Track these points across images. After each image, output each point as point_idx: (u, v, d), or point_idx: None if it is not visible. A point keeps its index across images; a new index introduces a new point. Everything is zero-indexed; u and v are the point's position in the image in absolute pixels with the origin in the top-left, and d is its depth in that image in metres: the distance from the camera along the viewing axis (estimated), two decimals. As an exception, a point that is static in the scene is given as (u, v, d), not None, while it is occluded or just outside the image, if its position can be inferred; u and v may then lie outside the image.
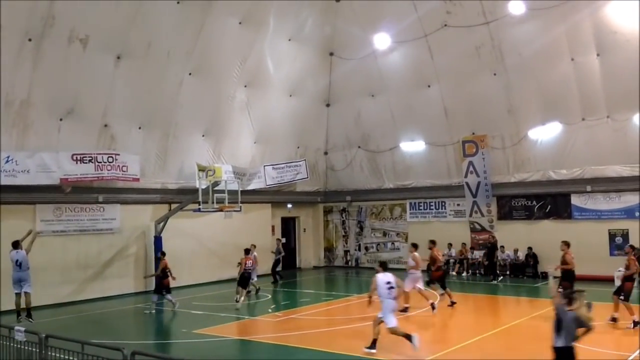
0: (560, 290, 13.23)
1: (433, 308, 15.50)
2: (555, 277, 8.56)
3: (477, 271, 23.94)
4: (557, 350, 7.54)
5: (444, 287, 16.72)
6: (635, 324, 13.04)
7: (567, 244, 14.96)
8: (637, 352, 11.03)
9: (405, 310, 15.40)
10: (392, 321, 11.44)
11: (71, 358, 7.91)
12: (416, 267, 15.97)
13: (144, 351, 7.59)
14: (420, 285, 16.06)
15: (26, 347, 8.61)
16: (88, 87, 18.60)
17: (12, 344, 8.92)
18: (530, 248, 22.93)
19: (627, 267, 13.73)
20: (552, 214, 23.03)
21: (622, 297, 13.53)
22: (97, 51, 18.22)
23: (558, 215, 22.85)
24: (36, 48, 17.04)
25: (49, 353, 8.11)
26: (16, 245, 15.70)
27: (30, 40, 16.86)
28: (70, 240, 19.44)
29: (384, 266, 12.40)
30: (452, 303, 16.34)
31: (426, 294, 16.07)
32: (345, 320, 15.25)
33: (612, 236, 21.65)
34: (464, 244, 24.85)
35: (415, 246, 16.68)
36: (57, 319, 16.24)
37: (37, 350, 8.22)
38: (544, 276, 22.50)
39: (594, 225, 21.77)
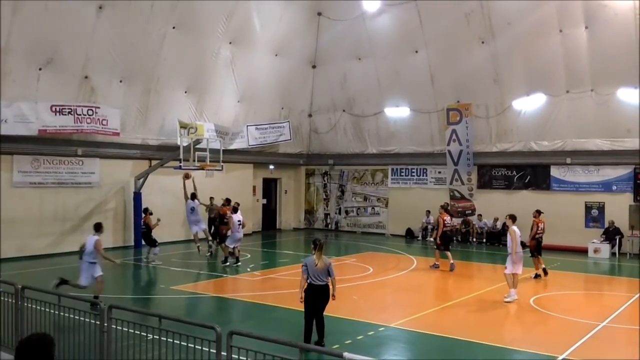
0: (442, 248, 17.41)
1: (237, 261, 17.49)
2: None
3: (455, 238, 24.23)
4: (309, 285, 9.44)
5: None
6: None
7: (444, 208, 17.83)
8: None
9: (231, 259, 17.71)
10: (230, 243, 17.18)
11: (47, 310, 7.88)
12: (228, 228, 17.78)
13: (121, 305, 7.60)
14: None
15: (2, 298, 8.55)
16: (69, 37, 18.09)
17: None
18: (507, 217, 23.23)
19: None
20: (531, 185, 23.30)
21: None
22: (78, -1, 17.68)
23: (537, 186, 23.13)
24: (15, -7, 16.48)
25: (25, 304, 8.06)
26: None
27: (8, -16, 16.30)
28: (47, 192, 19.20)
29: (235, 209, 17.50)
30: (225, 258, 17.80)
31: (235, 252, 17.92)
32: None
33: (588, 208, 22.01)
34: (442, 211, 25.06)
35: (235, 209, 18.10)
36: (33, 270, 16.12)
37: (13, 301, 8.16)
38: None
39: (571, 197, 22.09)
